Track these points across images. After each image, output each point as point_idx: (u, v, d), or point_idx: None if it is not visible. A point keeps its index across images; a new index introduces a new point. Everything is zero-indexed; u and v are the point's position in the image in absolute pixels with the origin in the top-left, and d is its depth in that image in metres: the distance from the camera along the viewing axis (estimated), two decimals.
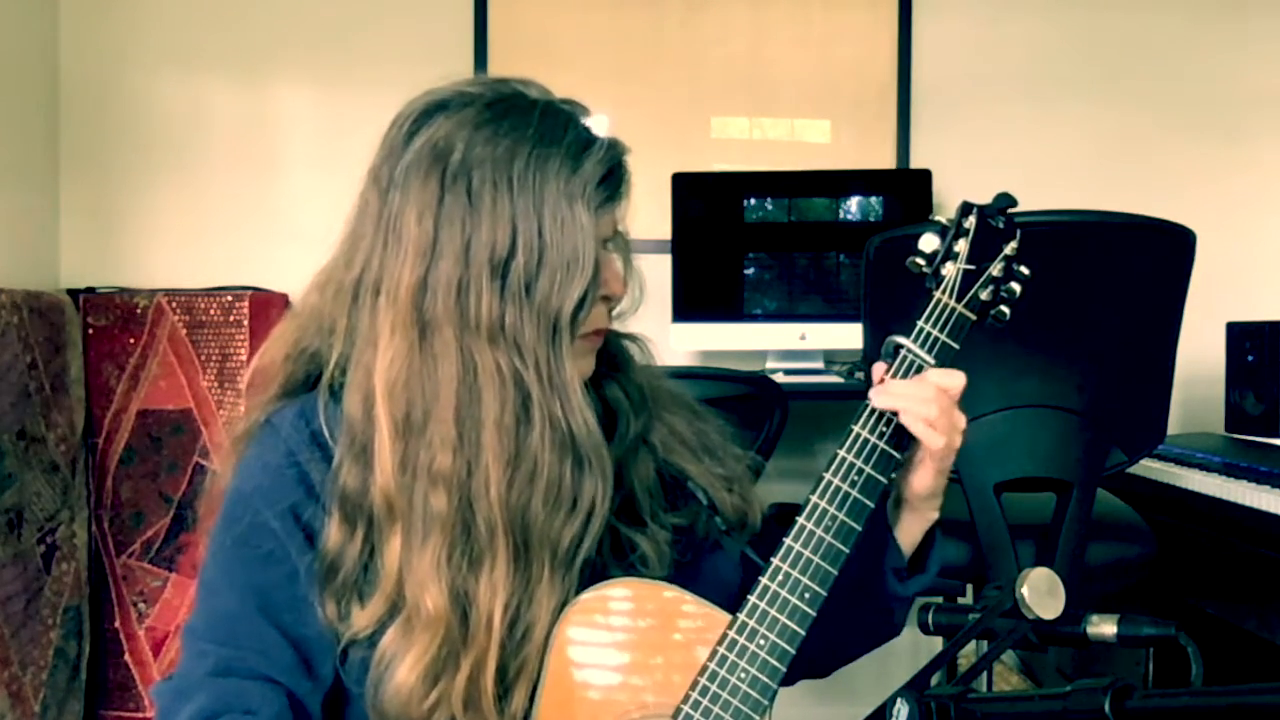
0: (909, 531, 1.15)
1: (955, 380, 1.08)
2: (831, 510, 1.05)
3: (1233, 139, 3.11)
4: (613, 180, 1.07)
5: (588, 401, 1.06)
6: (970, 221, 1.11)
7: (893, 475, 1.09)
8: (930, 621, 1.02)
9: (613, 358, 1.18)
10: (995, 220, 1.11)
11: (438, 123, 1.05)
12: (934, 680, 0.87)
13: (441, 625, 1.01)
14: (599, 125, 1.10)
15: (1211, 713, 0.76)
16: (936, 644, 2.49)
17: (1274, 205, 3.11)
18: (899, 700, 0.83)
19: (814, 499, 1.06)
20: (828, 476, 1.06)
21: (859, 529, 1.05)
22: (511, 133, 1.04)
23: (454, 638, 1.02)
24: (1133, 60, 3.12)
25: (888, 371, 1.10)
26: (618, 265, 1.11)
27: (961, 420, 1.09)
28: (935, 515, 1.15)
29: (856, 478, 1.06)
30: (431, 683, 1.02)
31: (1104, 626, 0.90)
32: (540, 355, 1.03)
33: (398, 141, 1.07)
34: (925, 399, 1.06)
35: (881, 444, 1.07)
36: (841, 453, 1.06)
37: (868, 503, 1.06)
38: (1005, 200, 1.12)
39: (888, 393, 1.08)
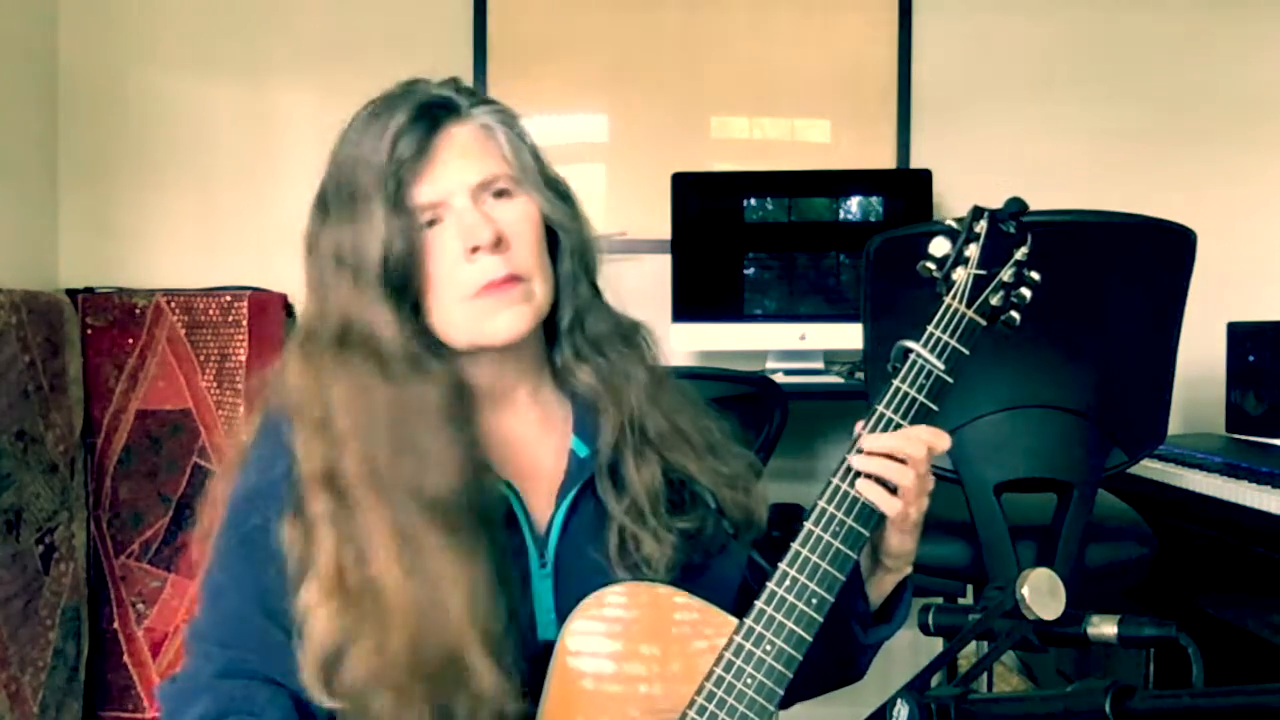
0: (880, 584, 1.15)
1: (943, 442, 1.08)
2: (840, 515, 1.05)
3: (1233, 139, 3.11)
4: (419, 148, 1.09)
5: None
6: (981, 226, 1.11)
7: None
8: (931, 622, 1.02)
9: (594, 339, 1.18)
10: (1006, 225, 1.11)
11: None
12: (934, 681, 0.86)
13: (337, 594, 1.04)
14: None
15: (1212, 713, 0.76)
16: (937, 645, 2.49)
17: (1274, 205, 3.11)
18: (899, 701, 0.83)
19: (821, 503, 1.06)
20: (835, 481, 1.06)
21: (867, 534, 1.05)
22: (348, 139, 1.13)
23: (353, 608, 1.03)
24: (1133, 60, 3.12)
25: (896, 375, 1.09)
26: (467, 218, 1.09)
27: (930, 483, 1.10)
28: (909, 570, 1.15)
29: (838, 527, 1.05)
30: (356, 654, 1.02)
31: (1104, 627, 0.90)
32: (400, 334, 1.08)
33: None
34: (900, 470, 1.06)
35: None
36: (822, 503, 1.06)
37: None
38: (1016, 205, 1.12)
39: (875, 445, 1.07)
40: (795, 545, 1.05)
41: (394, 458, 1.05)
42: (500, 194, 1.12)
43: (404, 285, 1.08)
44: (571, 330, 1.17)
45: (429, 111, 1.10)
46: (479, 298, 1.09)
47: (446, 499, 1.04)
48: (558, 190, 1.17)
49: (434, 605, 1.01)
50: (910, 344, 1.09)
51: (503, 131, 1.14)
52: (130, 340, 2.78)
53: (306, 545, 1.04)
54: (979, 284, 1.09)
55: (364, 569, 1.03)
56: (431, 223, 1.10)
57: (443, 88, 1.15)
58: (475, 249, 1.08)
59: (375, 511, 1.03)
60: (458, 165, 1.10)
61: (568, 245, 1.16)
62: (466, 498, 1.06)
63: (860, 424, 1.09)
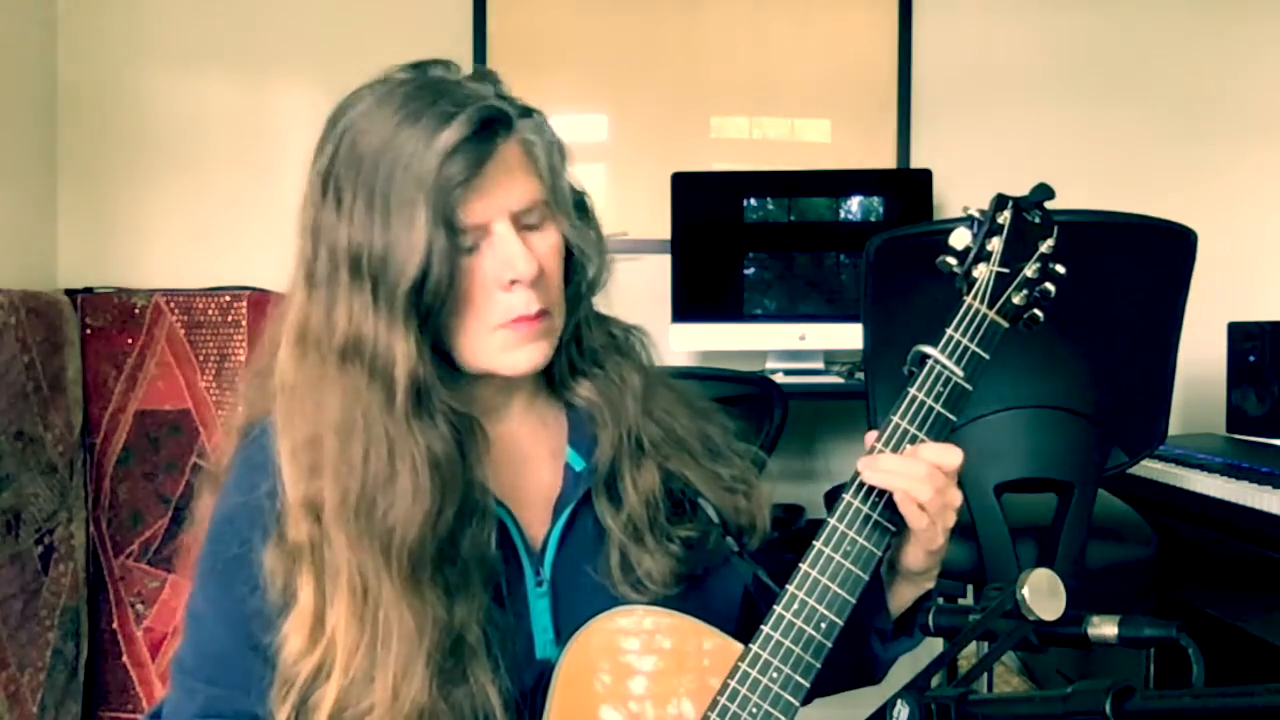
0: (901, 596, 1.11)
1: (952, 458, 1.02)
2: (851, 534, 1.02)
3: (1232, 139, 3.11)
4: (473, 169, 1.01)
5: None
6: (1005, 217, 1.05)
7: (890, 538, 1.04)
8: (931, 622, 1.01)
9: (591, 351, 1.15)
10: (1031, 215, 1.05)
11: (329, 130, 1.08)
12: (935, 681, 0.86)
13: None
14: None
15: (1212, 714, 0.76)
16: (937, 645, 2.48)
17: (1274, 205, 3.11)
18: (900, 701, 0.83)
19: (832, 521, 1.02)
20: (848, 498, 1.03)
21: (879, 553, 1.02)
22: (373, 126, 1.03)
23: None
24: (1133, 60, 3.12)
25: (912, 383, 1.04)
26: (510, 249, 1.03)
27: (956, 498, 1.04)
28: (930, 585, 1.11)
29: (849, 546, 1.01)
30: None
31: (1105, 627, 0.89)
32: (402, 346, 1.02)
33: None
34: (917, 478, 1.01)
35: (875, 515, 1.02)
36: (833, 521, 1.02)
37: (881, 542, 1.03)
38: (1043, 193, 1.06)
39: (877, 469, 1.02)
40: (804, 566, 1.01)
41: (374, 499, 1.00)
42: (534, 223, 1.07)
43: (435, 308, 1.01)
44: (569, 343, 1.13)
45: (488, 127, 1.02)
46: (506, 328, 1.05)
47: (421, 551, 1.00)
48: (582, 209, 1.13)
49: (380, 664, 0.98)
50: (928, 349, 1.04)
51: (541, 147, 1.07)
52: (129, 340, 2.77)
53: (289, 575, 1.01)
54: (1001, 282, 1.04)
55: (329, 611, 1.00)
56: (472, 247, 1.03)
57: (482, 84, 1.07)
58: (514, 282, 1.04)
59: (343, 553, 0.99)
60: (504, 187, 1.03)
61: (582, 267, 1.12)
62: (453, 546, 1.02)
63: (873, 435, 1.05)
